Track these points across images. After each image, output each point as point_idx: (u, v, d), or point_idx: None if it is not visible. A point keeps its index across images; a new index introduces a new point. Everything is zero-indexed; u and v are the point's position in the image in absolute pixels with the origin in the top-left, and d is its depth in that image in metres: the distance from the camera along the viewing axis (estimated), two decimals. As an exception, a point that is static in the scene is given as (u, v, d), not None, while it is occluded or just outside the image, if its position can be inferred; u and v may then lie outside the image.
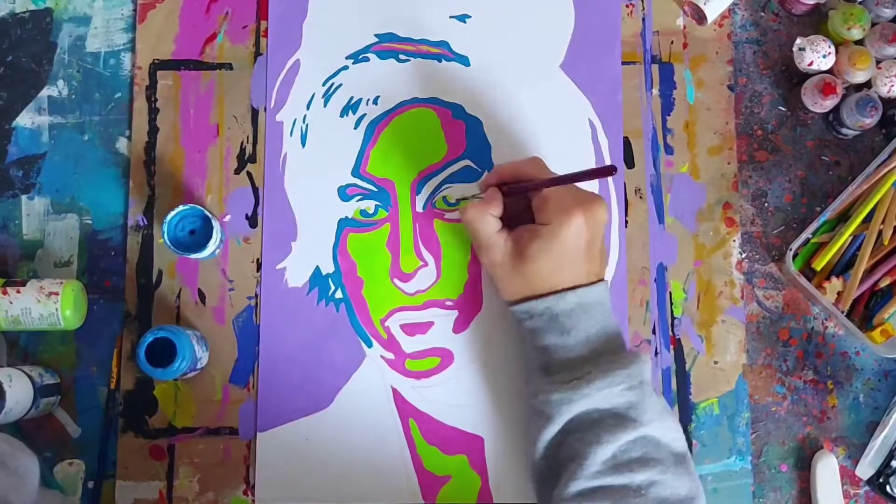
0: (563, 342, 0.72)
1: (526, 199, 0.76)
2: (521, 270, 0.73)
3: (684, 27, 0.87)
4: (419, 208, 0.84)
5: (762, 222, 0.85)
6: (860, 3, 0.85)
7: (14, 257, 0.84)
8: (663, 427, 0.71)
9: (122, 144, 0.85)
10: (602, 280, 0.74)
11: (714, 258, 0.84)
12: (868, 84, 0.83)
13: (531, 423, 0.74)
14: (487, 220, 0.74)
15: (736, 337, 0.83)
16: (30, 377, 0.77)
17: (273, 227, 0.84)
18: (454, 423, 0.82)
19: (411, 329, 0.82)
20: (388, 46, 0.86)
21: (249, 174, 0.85)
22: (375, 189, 0.84)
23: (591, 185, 0.84)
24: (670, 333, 0.83)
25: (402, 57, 0.86)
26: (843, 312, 0.80)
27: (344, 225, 0.84)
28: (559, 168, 0.84)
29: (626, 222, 0.84)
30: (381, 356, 0.82)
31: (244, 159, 0.85)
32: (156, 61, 0.86)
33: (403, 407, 0.82)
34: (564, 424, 0.71)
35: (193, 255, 0.80)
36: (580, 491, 0.68)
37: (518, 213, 0.76)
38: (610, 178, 0.84)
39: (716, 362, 0.83)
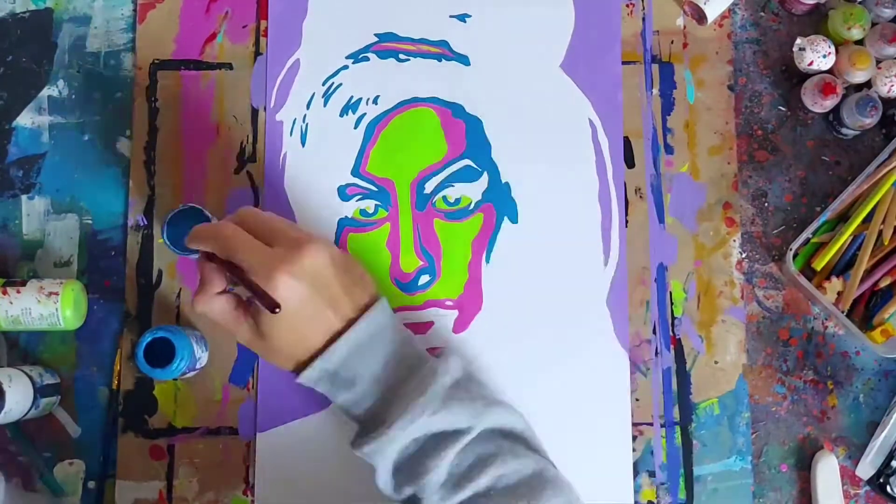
0: (353, 396, 0.66)
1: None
2: (270, 349, 0.66)
3: (684, 27, 0.87)
4: (419, 208, 0.84)
5: (762, 222, 0.85)
6: (860, 3, 0.85)
7: (14, 257, 0.84)
8: (487, 420, 0.67)
9: (122, 144, 0.85)
10: (367, 307, 0.67)
11: (714, 258, 0.84)
12: (868, 84, 0.83)
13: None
14: (217, 304, 0.67)
15: (736, 337, 0.83)
16: (30, 377, 0.77)
17: (273, 226, 0.84)
18: (454, 423, 0.81)
19: (411, 329, 0.82)
20: (388, 46, 0.86)
21: (249, 174, 0.85)
22: (375, 189, 0.84)
23: (591, 182, 0.84)
24: (670, 333, 0.83)
25: (402, 56, 0.86)
26: (843, 312, 0.80)
27: (344, 224, 0.84)
28: (558, 168, 0.84)
29: (627, 222, 0.84)
30: (381, 356, 0.82)
31: (244, 159, 0.85)
32: (156, 61, 0.86)
33: (403, 407, 0.81)
34: (391, 468, 0.67)
35: (193, 255, 0.80)
36: None
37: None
38: (610, 178, 0.84)
39: (716, 362, 0.83)
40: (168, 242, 0.79)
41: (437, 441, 0.66)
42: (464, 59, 0.86)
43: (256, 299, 0.64)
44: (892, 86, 0.82)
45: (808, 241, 0.82)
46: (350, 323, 0.66)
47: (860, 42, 0.84)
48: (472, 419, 0.67)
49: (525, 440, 0.69)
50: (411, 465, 0.66)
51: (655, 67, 0.86)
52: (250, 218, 0.67)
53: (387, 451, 0.66)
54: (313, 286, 0.64)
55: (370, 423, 0.67)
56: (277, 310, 0.62)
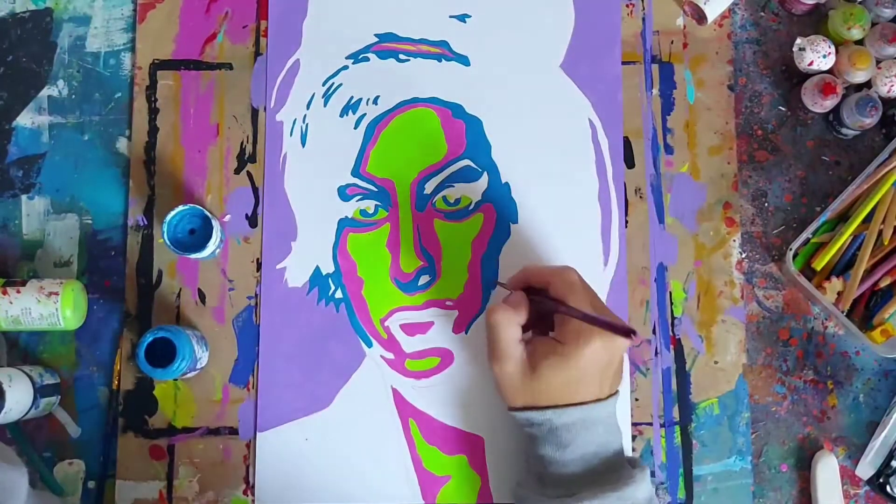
0: (558, 456, 0.71)
1: (547, 306, 0.74)
2: (530, 384, 0.71)
3: (684, 27, 0.87)
4: (419, 208, 0.84)
5: (762, 222, 0.85)
6: (860, 3, 0.85)
7: (14, 257, 0.84)
8: None
9: (122, 144, 0.85)
10: (613, 395, 0.73)
11: (714, 258, 0.84)
12: (868, 84, 0.83)
13: None
14: (512, 328, 0.73)
15: (736, 337, 0.83)
16: (30, 377, 0.77)
17: (273, 226, 0.84)
18: (454, 423, 0.82)
19: (411, 329, 0.82)
20: (388, 46, 0.86)
21: (249, 174, 0.85)
22: (375, 189, 0.84)
23: (591, 182, 0.84)
24: (670, 333, 0.83)
25: (402, 57, 0.86)
26: (843, 312, 0.80)
27: (344, 225, 0.84)
28: (558, 168, 0.84)
29: (627, 222, 0.84)
30: (381, 356, 0.82)
31: (244, 159, 0.85)
32: (156, 61, 0.86)
33: (403, 407, 0.82)
34: None
35: (193, 255, 0.80)
36: None
37: (536, 317, 0.74)
38: (610, 178, 0.84)
39: (716, 362, 0.83)
40: (168, 242, 0.79)
41: None
42: (464, 59, 0.86)
43: (606, 328, 0.69)
44: (892, 86, 0.82)
45: (808, 241, 0.82)
46: (596, 401, 0.71)
47: (860, 42, 0.84)
48: None
49: None
50: None
51: (655, 67, 0.86)
52: (578, 277, 0.74)
53: None
54: (610, 363, 0.71)
55: (554, 487, 0.71)
56: (633, 335, 0.67)
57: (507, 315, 0.72)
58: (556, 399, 0.71)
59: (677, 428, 0.82)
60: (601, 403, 0.71)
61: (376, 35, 0.86)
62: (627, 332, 0.67)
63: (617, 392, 0.74)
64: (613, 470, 0.71)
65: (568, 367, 0.70)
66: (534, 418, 0.71)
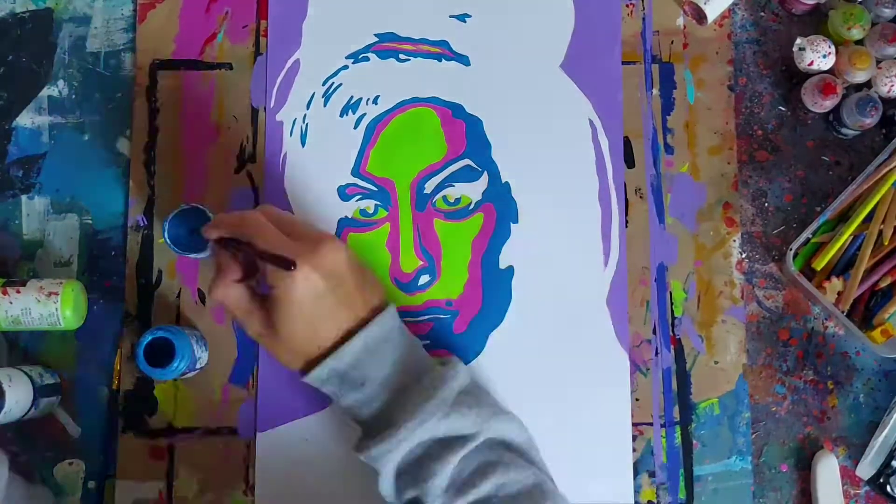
0: (361, 397, 0.68)
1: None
2: (281, 341, 0.67)
3: (684, 27, 0.87)
4: (419, 208, 0.84)
5: (762, 222, 0.85)
6: (860, 3, 0.85)
7: (14, 257, 0.84)
8: (492, 429, 0.68)
9: (122, 144, 0.85)
10: (378, 310, 0.69)
11: (714, 258, 0.84)
12: (868, 84, 0.83)
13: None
14: (233, 292, 0.68)
15: (736, 337, 0.83)
16: (30, 377, 0.77)
17: (273, 226, 0.84)
18: (454, 422, 0.81)
19: (411, 329, 0.82)
20: (388, 46, 0.86)
21: (249, 174, 0.85)
22: (375, 189, 0.84)
23: (591, 182, 0.84)
24: (670, 333, 0.83)
25: (402, 57, 0.86)
26: (843, 312, 0.80)
27: (344, 225, 0.84)
28: (558, 168, 0.84)
29: (627, 222, 0.84)
30: (381, 356, 0.82)
31: (244, 159, 0.85)
32: (156, 61, 0.86)
33: (403, 407, 0.81)
34: (394, 471, 0.67)
35: (193, 255, 0.80)
36: None
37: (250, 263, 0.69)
38: (610, 178, 0.84)
39: (716, 362, 0.83)
40: (168, 242, 0.79)
41: (443, 446, 0.67)
42: (464, 59, 0.86)
43: (271, 262, 0.65)
44: (892, 86, 0.82)
45: (808, 241, 0.82)
46: (362, 323, 0.68)
47: (860, 42, 0.84)
48: (478, 426, 0.68)
49: (524, 453, 0.70)
50: (415, 469, 0.67)
51: (655, 67, 0.86)
52: (273, 213, 0.70)
53: (393, 454, 0.67)
54: (330, 281, 0.66)
55: (376, 426, 0.68)
56: (293, 267, 0.63)
57: (220, 284, 0.68)
58: (317, 345, 0.67)
59: (678, 428, 0.82)
60: (372, 325, 0.67)
61: (376, 35, 0.86)
62: (288, 264, 0.63)
63: (386, 305, 0.69)
64: (421, 375, 0.68)
65: (291, 311, 0.65)
66: (319, 376, 0.67)
